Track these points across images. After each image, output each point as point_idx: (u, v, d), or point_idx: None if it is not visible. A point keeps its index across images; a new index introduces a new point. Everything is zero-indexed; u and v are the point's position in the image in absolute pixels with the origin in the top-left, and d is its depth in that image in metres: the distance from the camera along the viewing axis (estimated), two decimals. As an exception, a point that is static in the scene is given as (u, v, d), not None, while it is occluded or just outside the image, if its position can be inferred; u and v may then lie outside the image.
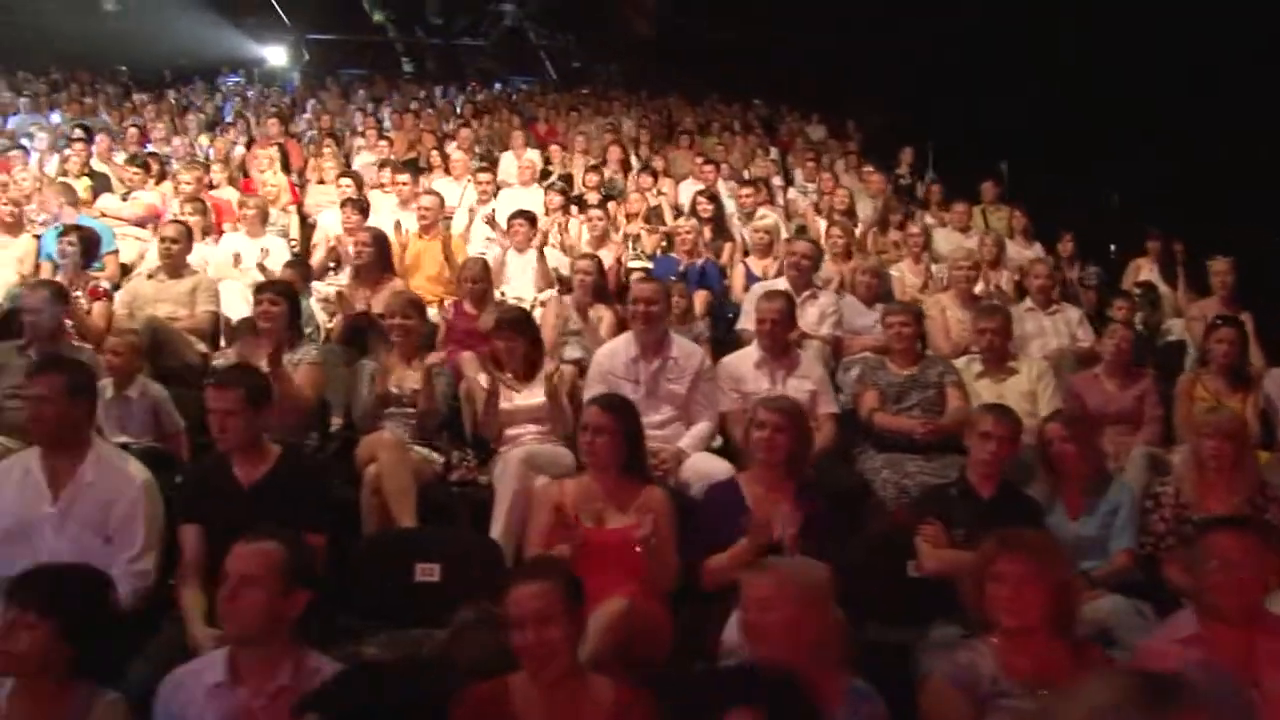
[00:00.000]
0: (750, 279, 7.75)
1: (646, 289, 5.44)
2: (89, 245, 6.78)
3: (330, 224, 8.62)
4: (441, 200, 8.11)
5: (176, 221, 6.93)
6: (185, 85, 17.81)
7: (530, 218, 7.99)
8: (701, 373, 5.43)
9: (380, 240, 6.71)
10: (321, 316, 6.86)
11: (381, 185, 9.73)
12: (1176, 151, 10.83)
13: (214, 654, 2.91)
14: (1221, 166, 10.26)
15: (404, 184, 8.74)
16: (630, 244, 8.65)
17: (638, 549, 3.94)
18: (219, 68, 19.28)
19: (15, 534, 3.78)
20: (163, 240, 6.62)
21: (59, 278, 7.04)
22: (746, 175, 11.62)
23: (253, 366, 4.53)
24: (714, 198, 9.03)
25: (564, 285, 7.56)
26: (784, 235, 8.67)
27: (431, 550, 4.25)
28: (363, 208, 7.90)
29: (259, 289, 5.54)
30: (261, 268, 7.39)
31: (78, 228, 6.95)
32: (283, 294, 5.36)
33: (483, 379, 5.38)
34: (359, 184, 9.05)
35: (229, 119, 14.13)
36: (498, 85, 18.51)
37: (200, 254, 7.50)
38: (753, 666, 2.73)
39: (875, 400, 5.67)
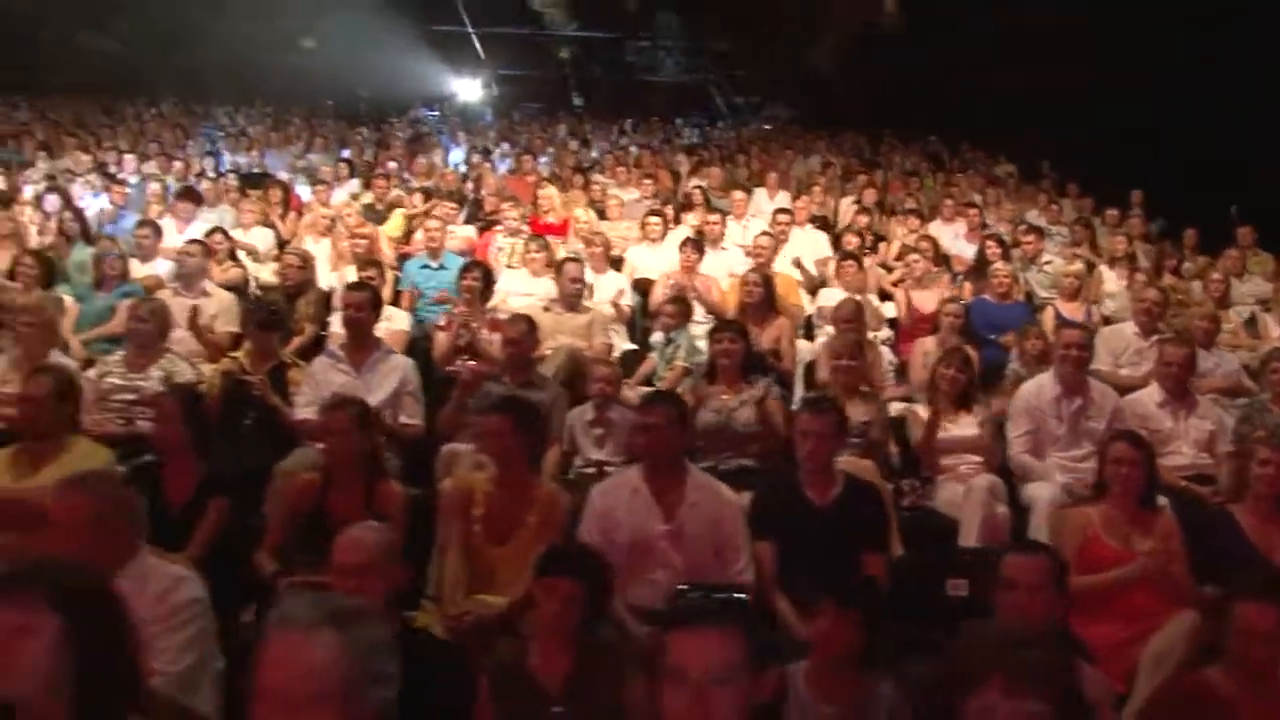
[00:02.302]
0: (1060, 321, 8.16)
1: (1076, 335, 5.96)
2: (488, 281, 7.41)
3: (641, 260, 9.19)
4: (776, 241, 8.64)
5: (575, 260, 7.54)
6: (385, 121, 18.69)
7: (859, 260, 8.49)
8: (1116, 412, 5.89)
9: (769, 281, 7.25)
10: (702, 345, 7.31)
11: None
12: None
13: (791, 669, 3.38)
14: None
15: (714, 223, 9.27)
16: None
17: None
18: (410, 101, 20.21)
19: (636, 548, 4.32)
20: (565, 278, 7.22)
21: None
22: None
23: (834, 398, 5.06)
24: (1002, 242, 9.48)
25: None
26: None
27: (959, 567, 4.74)
28: (700, 247, 8.43)
29: (716, 328, 6.07)
30: (616, 305, 7.94)
31: (479, 263, 7.60)
32: (739, 333, 5.90)
33: (921, 411, 5.90)
34: (666, 221, 9.61)
35: (458, 153, 14.86)
36: (681, 121, 19.19)
37: (543, 287, 8.09)
38: None
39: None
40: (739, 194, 10.84)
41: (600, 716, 3.31)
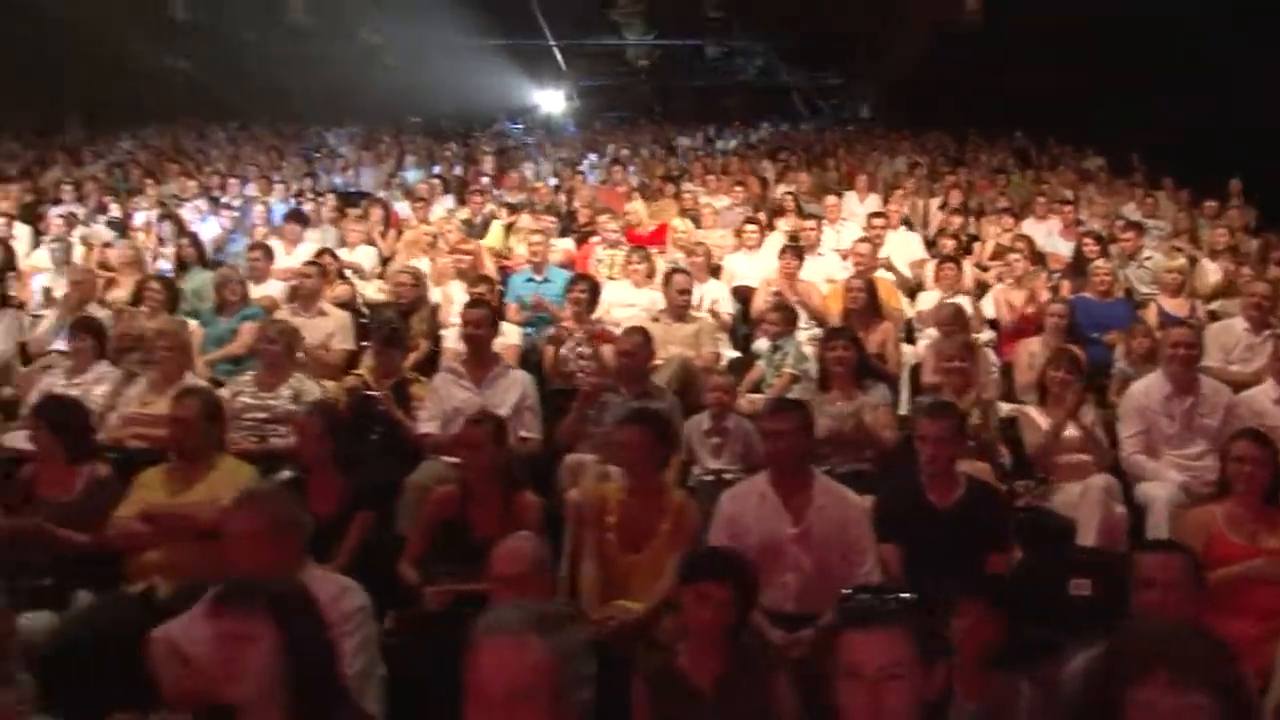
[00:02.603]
0: (1165, 318, 8.13)
1: (1184, 334, 6.00)
2: (594, 293, 7.59)
3: (739, 268, 9.32)
4: (874, 246, 8.73)
5: (681, 272, 7.71)
6: (470, 135, 19.04)
7: (958, 262, 8.54)
8: (1230, 408, 5.91)
9: (871, 287, 7.36)
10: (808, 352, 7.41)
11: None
12: None
13: None
14: None
15: (810, 229, 9.37)
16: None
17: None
18: (495, 115, 20.57)
19: (766, 551, 4.45)
20: (673, 289, 7.39)
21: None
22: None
23: (952, 402, 5.18)
24: (1100, 238, 9.45)
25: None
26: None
27: (1079, 567, 4.81)
28: (800, 254, 8.55)
29: (827, 335, 6.20)
30: (713, 313, 8.07)
31: (586, 277, 7.79)
32: (852, 340, 6.02)
33: (1033, 413, 5.97)
34: (761, 228, 9.73)
35: (547, 166, 15.12)
36: (765, 125, 19.29)
37: (646, 298, 8.26)
38: None
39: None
40: (831, 199, 10.92)
41: (749, 716, 3.45)
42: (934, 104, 19.70)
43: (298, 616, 2.58)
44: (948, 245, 9.62)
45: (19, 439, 6.08)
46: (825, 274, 8.95)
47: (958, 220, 10.77)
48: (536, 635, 2.18)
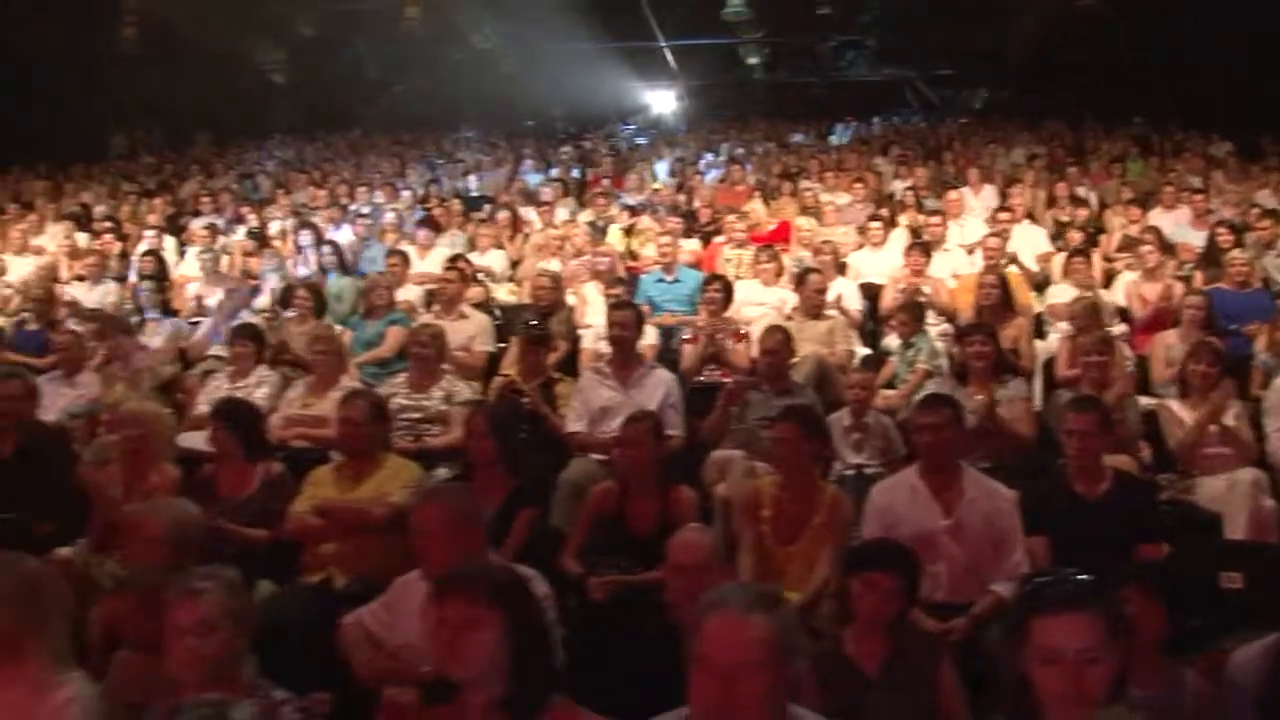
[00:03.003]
0: (1307, 309, 8.01)
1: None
2: (729, 292, 7.77)
3: (865, 265, 9.41)
4: (1004, 241, 8.76)
5: (814, 271, 7.85)
6: (584, 137, 19.34)
7: (1088, 255, 8.53)
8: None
9: (1004, 282, 7.42)
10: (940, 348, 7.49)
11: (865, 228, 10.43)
12: None
13: None
14: None
15: (936, 225, 9.43)
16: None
17: None
18: (607, 117, 20.87)
19: (918, 542, 4.56)
20: (809, 289, 7.53)
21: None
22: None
23: (1098, 396, 5.26)
24: (1234, 228, 9.33)
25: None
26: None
27: (1228, 561, 4.85)
28: (927, 250, 8.62)
29: (965, 331, 6.30)
30: (843, 310, 8.18)
31: (719, 277, 7.99)
32: (990, 335, 6.11)
33: (1174, 406, 5.99)
34: (886, 225, 9.81)
35: (663, 166, 15.32)
36: (876, 120, 19.24)
37: (775, 296, 8.40)
38: None
39: None
40: (953, 194, 10.92)
41: (914, 700, 3.60)
42: (1050, 93, 19.45)
43: (518, 602, 2.80)
44: (1075, 238, 9.58)
45: (192, 440, 6.44)
46: (951, 269, 9.00)
47: (1084, 212, 10.68)
48: (760, 611, 2.38)
